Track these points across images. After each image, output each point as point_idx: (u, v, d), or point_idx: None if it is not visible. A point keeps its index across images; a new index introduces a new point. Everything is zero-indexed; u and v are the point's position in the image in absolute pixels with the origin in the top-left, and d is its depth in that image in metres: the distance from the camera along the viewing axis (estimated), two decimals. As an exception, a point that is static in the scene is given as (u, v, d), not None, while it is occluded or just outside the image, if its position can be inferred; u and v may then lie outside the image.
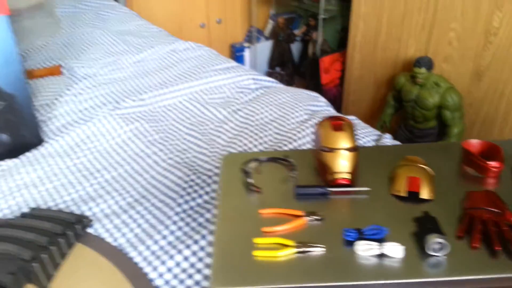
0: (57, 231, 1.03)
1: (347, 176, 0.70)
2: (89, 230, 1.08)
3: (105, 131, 1.43)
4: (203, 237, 1.01)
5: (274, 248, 0.59)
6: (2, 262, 0.95)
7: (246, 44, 4.01)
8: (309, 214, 0.65)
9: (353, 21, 3.10)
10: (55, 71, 1.86)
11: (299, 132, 1.38)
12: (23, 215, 1.12)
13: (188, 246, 0.99)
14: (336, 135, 0.70)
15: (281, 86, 1.76)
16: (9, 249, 0.97)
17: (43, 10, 2.19)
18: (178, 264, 0.95)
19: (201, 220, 1.07)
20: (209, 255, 0.97)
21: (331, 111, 1.58)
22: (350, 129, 0.71)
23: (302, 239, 0.61)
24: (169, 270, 0.94)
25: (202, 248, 0.99)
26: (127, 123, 1.46)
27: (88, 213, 1.13)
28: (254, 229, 0.63)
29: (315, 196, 0.69)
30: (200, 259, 0.96)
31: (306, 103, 1.57)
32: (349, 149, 0.70)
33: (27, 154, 1.38)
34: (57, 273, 0.97)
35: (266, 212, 0.65)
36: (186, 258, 0.96)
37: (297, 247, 0.59)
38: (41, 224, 1.05)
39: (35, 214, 1.12)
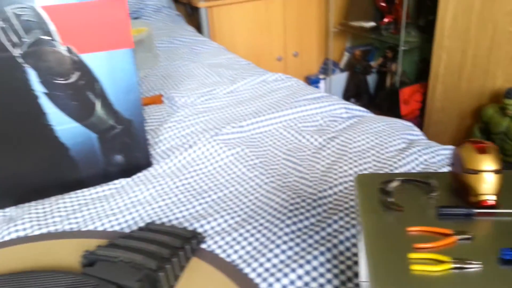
0: (176, 245, 1.10)
1: (493, 198, 0.71)
2: (203, 246, 1.14)
3: (209, 155, 1.52)
4: (315, 257, 1.04)
5: (430, 263, 0.60)
6: (129, 270, 1.03)
7: (321, 76, 4.08)
8: (458, 233, 0.66)
9: (435, 53, 3.06)
10: (157, 100, 2.01)
11: (399, 160, 1.38)
12: (141, 229, 1.22)
13: (301, 266, 1.02)
14: (481, 157, 0.71)
15: (372, 115, 1.78)
16: (135, 258, 1.05)
17: (143, 45, 2.40)
18: (292, 282, 0.98)
19: (310, 241, 1.10)
20: (322, 275, 0.99)
21: (427, 141, 1.56)
22: (495, 151, 0.73)
23: (457, 256, 0.62)
24: (284, 287, 0.97)
25: (315, 268, 1.01)
26: (229, 148, 1.54)
27: (200, 230, 1.20)
28: (404, 245, 0.65)
29: (458, 217, 0.70)
30: (314, 279, 0.98)
31: (402, 131, 1.57)
32: (494, 171, 0.71)
33: (139, 174, 1.49)
34: (177, 285, 1.03)
35: (414, 229, 0.67)
36: (300, 277, 0.99)
37: (453, 262, 0.60)
38: (160, 238, 1.13)
39: (152, 228, 1.21)
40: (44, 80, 1.32)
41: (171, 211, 1.28)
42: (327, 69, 4.06)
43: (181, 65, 2.36)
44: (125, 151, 1.51)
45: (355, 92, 3.95)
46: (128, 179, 1.48)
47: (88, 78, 1.37)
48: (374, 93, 3.95)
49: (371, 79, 4.00)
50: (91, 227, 1.25)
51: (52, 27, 1.27)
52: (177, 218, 1.26)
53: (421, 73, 3.71)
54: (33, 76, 1.30)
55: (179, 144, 1.64)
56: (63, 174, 1.45)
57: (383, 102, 3.57)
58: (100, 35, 1.33)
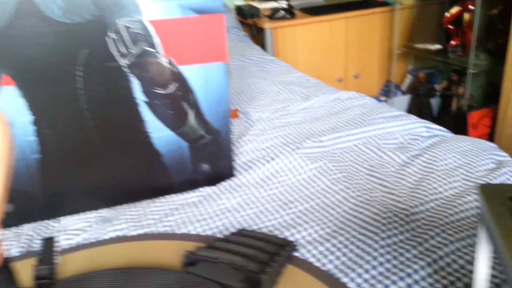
0: (272, 251, 1.12)
1: None
2: (296, 254, 1.16)
3: (292, 168, 1.55)
4: (416, 271, 1.02)
5: None
6: (231, 271, 1.06)
7: (382, 98, 4.05)
8: None
9: (507, 76, 2.97)
10: (233, 114, 2.07)
11: (491, 180, 1.35)
12: (234, 234, 1.25)
13: (401, 278, 1.01)
14: None
15: (454, 135, 1.75)
16: (235, 260, 1.08)
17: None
18: (394, 294, 0.97)
19: (408, 255, 1.09)
20: (425, 289, 0.98)
21: (516, 163, 1.52)
22: None
23: None
24: (386, 299, 0.97)
25: (416, 282, 1.00)
26: (312, 161, 1.56)
27: (291, 239, 1.21)
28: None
29: None
30: (418, 292, 0.97)
31: (489, 152, 1.53)
32: None
33: (223, 183, 1.54)
34: (275, 289, 1.05)
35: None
36: (402, 289, 0.98)
37: None
38: (256, 243, 1.16)
39: (245, 234, 1.24)
40: (146, 90, 1.40)
41: (260, 219, 1.31)
42: (388, 91, 4.03)
43: (253, 82, 2.43)
44: (211, 161, 1.56)
45: (417, 115, 3.89)
46: (214, 187, 1.52)
47: (184, 89, 1.44)
48: (438, 116, 3.87)
49: (434, 102, 3.92)
50: (184, 230, 1.30)
51: (156, 39, 1.35)
52: (266, 226, 1.28)
53: (488, 97, 3.61)
54: (136, 85, 1.39)
55: (259, 156, 1.68)
56: (154, 179, 1.52)
57: (449, 125, 3.48)
58: (198, 48, 1.41)
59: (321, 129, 1.83)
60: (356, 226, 1.22)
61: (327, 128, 1.83)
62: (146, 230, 1.32)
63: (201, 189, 1.53)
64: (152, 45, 1.36)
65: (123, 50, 1.33)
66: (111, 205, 1.48)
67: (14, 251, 1.24)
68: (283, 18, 3.60)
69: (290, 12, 3.64)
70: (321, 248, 1.15)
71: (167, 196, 1.50)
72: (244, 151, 1.73)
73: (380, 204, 1.31)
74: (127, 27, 1.32)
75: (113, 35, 1.31)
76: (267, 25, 3.50)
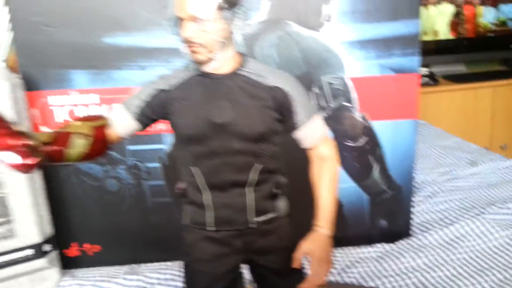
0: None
1: None
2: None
3: (480, 233, 1.47)
4: None
5: None
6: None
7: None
8: None
9: None
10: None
11: None
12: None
13: None
14: None
15: None
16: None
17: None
18: None
19: None
20: None
21: None
22: None
23: None
24: None
25: None
26: (502, 228, 1.47)
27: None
28: None
29: None
30: None
31: None
32: None
33: (401, 241, 1.50)
34: None
35: None
36: None
37: None
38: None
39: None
40: (338, 142, 1.47)
41: (456, 284, 1.24)
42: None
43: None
44: (390, 217, 1.55)
45: None
46: (391, 245, 1.50)
47: (373, 143, 1.48)
48: None
49: None
50: (372, 284, 1.28)
51: (354, 95, 1.43)
52: (467, 292, 1.21)
53: None
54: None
55: (436, 218, 1.62)
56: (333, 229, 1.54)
57: None
58: (391, 105, 1.45)
59: (502, 196, 1.72)
60: None
61: (509, 196, 1.72)
62: (331, 278, 1.33)
63: (378, 244, 1.51)
64: (349, 100, 1.44)
65: (323, 103, 1.43)
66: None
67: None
68: (426, 84, 3.56)
69: (433, 79, 3.60)
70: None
71: (344, 248, 1.51)
72: (417, 211, 1.68)
73: None
74: (330, 83, 1.42)
75: (316, 90, 1.42)
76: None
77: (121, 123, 0.87)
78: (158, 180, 1.46)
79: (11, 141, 0.63)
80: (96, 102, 1.40)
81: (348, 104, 1.44)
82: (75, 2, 1.31)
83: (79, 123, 0.81)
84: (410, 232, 1.56)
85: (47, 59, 1.35)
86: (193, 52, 0.80)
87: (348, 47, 1.39)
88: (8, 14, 1.32)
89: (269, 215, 0.90)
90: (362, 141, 1.47)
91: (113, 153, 1.44)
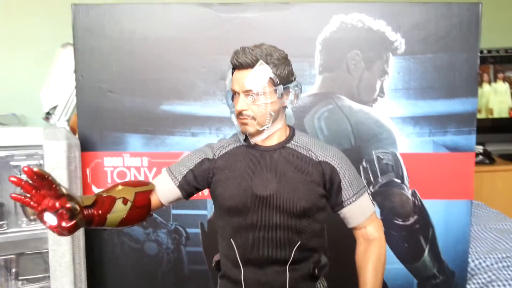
0: None
1: None
2: None
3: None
4: None
5: None
6: None
7: None
8: None
9: None
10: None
11: None
12: None
13: None
14: None
15: None
16: None
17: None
18: None
19: None
20: None
21: None
22: None
23: None
24: None
25: None
26: None
27: None
28: None
29: None
30: None
31: None
32: None
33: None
34: None
35: None
36: None
37: None
38: None
39: None
40: (385, 218, 1.40)
41: None
42: None
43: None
44: (445, 305, 1.42)
45: None
46: (443, 338, 1.36)
47: (424, 223, 1.40)
48: None
49: None
50: None
51: (404, 171, 1.38)
52: None
53: None
54: (377, 213, 1.40)
55: (495, 311, 1.47)
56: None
57: None
58: (444, 183, 1.39)
59: None
60: None
61: None
62: None
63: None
64: (399, 176, 1.39)
65: (370, 178, 1.39)
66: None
67: None
68: (481, 162, 3.43)
69: (489, 157, 3.46)
70: None
71: (391, 336, 1.39)
72: (472, 300, 1.54)
73: None
74: (379, 158, 1.39)
75: (364, 164, 1.39)
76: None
77: (164, 190, 0.86)
78: (197, 246, 1.44)
79: (57, 203, 0.64)
80: (145, 165, 1.44)
81: (398, 180, 1.39)
82: (140, 73, 1.40)
83: (121, 187, 0.81)
84: (466, 324, 1.42)
85: (106, 122, 1.41)
86: (243, 124, 0.81)
87: (400, 122, 1.37)
88: (76, 79, 1.42)
89: None
90: (412, 219, 1.40)
91: (157, 216, 1.45)
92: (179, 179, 0.85)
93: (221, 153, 0.86)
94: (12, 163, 1.35)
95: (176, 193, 0.86)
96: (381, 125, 1.38)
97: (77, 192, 1.35)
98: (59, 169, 1.28)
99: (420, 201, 1.39)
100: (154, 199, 0.85)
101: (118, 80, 1.42)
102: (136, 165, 1.44)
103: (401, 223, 1.40)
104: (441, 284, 1.42)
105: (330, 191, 0.84)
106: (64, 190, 0.65)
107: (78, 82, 1.42)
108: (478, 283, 1.66)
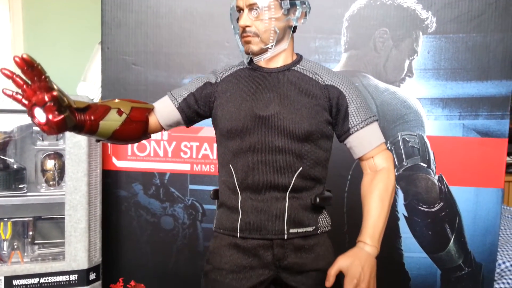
0: None
1: None
2: None
3: None
4: None
5: None
6: None
7: None
8: None
9: None
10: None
11: None
12: None
13: None
14: None
15: None
16: None
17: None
18: None
19: None
20: None
21: None
22: None
23: None
24: None
25: None
26: None
27: None
28: None
29: None
30: None
31: None
32: None
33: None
34: None
35: None
36: None
37: None
38: None
39: None
40: (408, 204, 1.35)
41: None
42: None
43: None
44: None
45: None
46: (468, 333, 1.28)
47: (450, 211, 1.34)
48: None
49: None
50: None
51: (431, 155, 1.33)
52: None
53: None
54: (400, 198, 1.35)
55: (524, 310, 1.38)
56: (399, 305, 1.37)
57: None
58: (473, 170, 1.32)
59: None
60: None
61: None
62: None
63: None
64: (425, 160, 1.33)
65: (395, 161, 1.34)
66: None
67: None
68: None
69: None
70: None
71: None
72: (500, 300, 1.46)
73: None
74: (405, 140, 1.33)
75: (389, 146, 1.33)
76: None
77: (163, 111, 0.83)
78: (212, 223, 1.41)
79: (46, 96, 0.61)
80: (165, 138, 1.43)
81: (424, 165, 1.33)
82: (165, 47, 1.41)
83: (118, 100, 0.78)
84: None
85: (129, 94, 1.42)
86: (247, 42, 0.77)
87: (429, 104, 1.32)
88: (102, 51, 1.44)
89: (307, 229, 0.79)
90: (437, 206, 1.34)
91: (175, 191, 1.43)
92: (179, 101, 0.82)
93: (223, 76, 0.83)
94: (35, 128, 1.36)
95: (175, 115, 0.82)
96: (408, 106, 1.33)
97: (97, 161, 1.35)
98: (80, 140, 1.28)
99: (447, 187, 1.33)
100: (153, 120, 0.82)
101: (142, 53, 1.42)
102: (156, 138, 1.43)
103: (425, 209, 1.34)
104: (467, 277, 1.34)
105: (336, 117, 0.78)
106: (54, 86, 0.63)
107: (104, 53, 1.43)
108: (508, 283, 1.58)
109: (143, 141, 1.43)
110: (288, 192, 0.77)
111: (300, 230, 0.78)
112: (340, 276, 0.73)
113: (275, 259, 0.78)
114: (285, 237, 0.77)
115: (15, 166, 1.35)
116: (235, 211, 0.79)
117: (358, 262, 0.71)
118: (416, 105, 1.32)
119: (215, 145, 1.42)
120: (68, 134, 1.28)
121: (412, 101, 1.32)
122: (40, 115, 0.63)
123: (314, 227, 0.79)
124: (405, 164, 1.33)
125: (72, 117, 0.67)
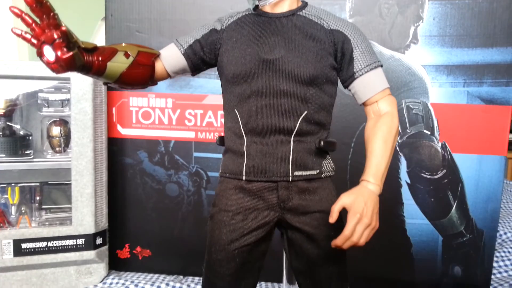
0: None
1: None
2: None
3: None
4: None
5: None
6: None
7: None
8: None
9: None
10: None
11: None
12: None
13: None
14: None
15: None
16: None
17: None
18: None
19: None
20: None
21: None
22: None
23: None
24: None
25: None
26: None
27: None
28: None
29: None
30: None
31: None
32: None
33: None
34: None
35: None
36: None
37: None
38: None
39: None
40: (411, 171, 1.36)
41: None
42: None
43: None
44: (466, 264, 1.37)
45: None
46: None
47: (453, 178, 1.35)
48: None
49: None
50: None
51: (435, 123, 1.33)
52: None
53: None
54: (403, 165, 1.36)
55: (523, 276, 1.40)
56: (398, 271, 1.39)
57: None
58: (476, 137, 1.33)
59: None
60: None
61: None
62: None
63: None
64: (429, 128, 1.34)
65: (399, 129, 1.34)
66: None
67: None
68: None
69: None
70: None
71: (411, 293, 1.35)
72: (499, 266, 1.48)
73: None
74: (409, 108, 1.33)
75: (393, 113, 1.33)
76: None
77: (169, 57, 0.83)
78: (218, 190, 1.43)
79: (55, 34, 0.62)
80: (169, 106, 1.44)
81: (427, 132, 1.34)
82: (168, 14, 1.40)
83: (125, 44, 0.78)
84: (490, 287, 1.37)
85: (132, 61, 1.42)
86: None
87: (434, 71, 1.31)
88: (106, 18, 1.43)
89: (311, 172, 0.80)
90: (440, 173, 1.35)
91: (179, 158, 1.45)
92: (185, 47, 0.82)
93: (229, 23, 0.83)
94: (41, 94, 1.37)
95: (181, 61, 0.83)
96: (412, 73, 1.32)
97: (103, 128, 1.36)
98: (85, 101, 1.29)
99: (450, 154, 1.34)
100: (159, 66, 0.83)
101: (146, 20, 1.42)
102: (160, 106, 1.44)
103: (428, 176, 1.35)
104: (468, 243, 1.36)
105: (341, 61, 0.79)
106: (63, 23, 0.63)
107: (108, 21, 1.43)
108: (509, 251, 1.60)
109: (148, 109, 1.44)
110: (293, 136, 0.78)
111: (305, 173, 0.79)
112: (343, 216, 0.74)
113: (280, 201, 0.79)
114: (290, 179, 0.79)
115: (21, 133, 1.36)
116: (241, 155, 0.80)
117: (361, 198, 0.72)
118: (421, 72, 1.32)
119: (219, 112, 1.43)
120: (73, 100, 1.28)
121: (416, 68, 1.32)
122: (49, 53, 0.63)
123: (318, 171, 0.81)
124: (409, 131, 1.34)
125: (80, 56, 0.68)
